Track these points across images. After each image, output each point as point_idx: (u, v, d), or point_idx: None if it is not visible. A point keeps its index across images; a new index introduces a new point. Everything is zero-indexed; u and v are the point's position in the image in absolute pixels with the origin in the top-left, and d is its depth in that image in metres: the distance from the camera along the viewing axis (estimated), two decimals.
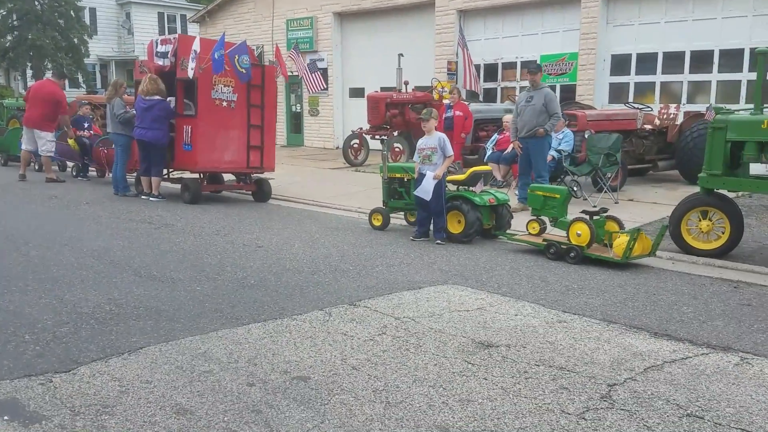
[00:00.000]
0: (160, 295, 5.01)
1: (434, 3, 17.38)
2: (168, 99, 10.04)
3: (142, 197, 10.29)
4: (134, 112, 10.14)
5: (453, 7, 17.12)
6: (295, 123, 21.81)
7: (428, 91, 15.30)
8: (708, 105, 11.55)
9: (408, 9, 18.29)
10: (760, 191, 6.85)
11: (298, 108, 21.61)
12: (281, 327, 4.31)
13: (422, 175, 7.35)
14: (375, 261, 6.28)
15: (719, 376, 3.50)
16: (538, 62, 14.19)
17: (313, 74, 12.08)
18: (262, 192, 10.52)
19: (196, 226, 8.05)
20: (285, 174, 12.79)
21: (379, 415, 3.06)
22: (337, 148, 19.13)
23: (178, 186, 10.42)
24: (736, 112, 6.82)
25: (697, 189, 6.87)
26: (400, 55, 15.46)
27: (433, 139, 7.44)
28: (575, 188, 7.39)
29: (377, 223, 8.05)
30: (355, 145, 14.96)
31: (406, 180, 7.98)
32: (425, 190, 7.26)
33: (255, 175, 10.64)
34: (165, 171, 10.60)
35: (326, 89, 18.76)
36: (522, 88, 15.97)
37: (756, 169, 6.98)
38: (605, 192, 9.72)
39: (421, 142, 7.55)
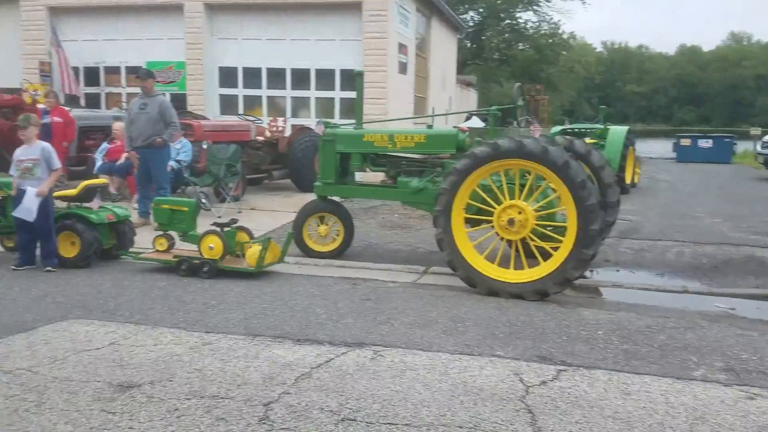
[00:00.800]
0: None
1: None
2: None
3: None
4: None
5: (41, 2, 15.19)
6: None
7: (17, 94, 13.21)
8: (318, 119, 12.65)
9: None
10: (366, 197, 7.73)
11: None
12: None
13: (23, 192, 6.26)
14: None
15: (360, 373, 3.75)
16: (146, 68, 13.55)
17: None
18: None
19: None
20: None
21: None
22: None
23: None
24: (342, 127, 7.54)
25: (309, 196, 7.39)
26: None
27: (34, 149, 6.41)
28: (203, 200, 7.22)
29: None
30: None
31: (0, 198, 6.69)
32: (27, 209, 6.20)
33: None
34: None
35: None
36: (130, 95, 15.09)
37: (360, 176, 7.86)
38: (228, 202, 9.80)
39: (20, 153, 6.43)
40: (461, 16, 30.07)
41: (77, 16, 15.50)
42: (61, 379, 3.57)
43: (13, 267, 6.29)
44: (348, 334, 4.49)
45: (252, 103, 15.40)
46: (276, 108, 15.32)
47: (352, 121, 7.60)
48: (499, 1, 37.41)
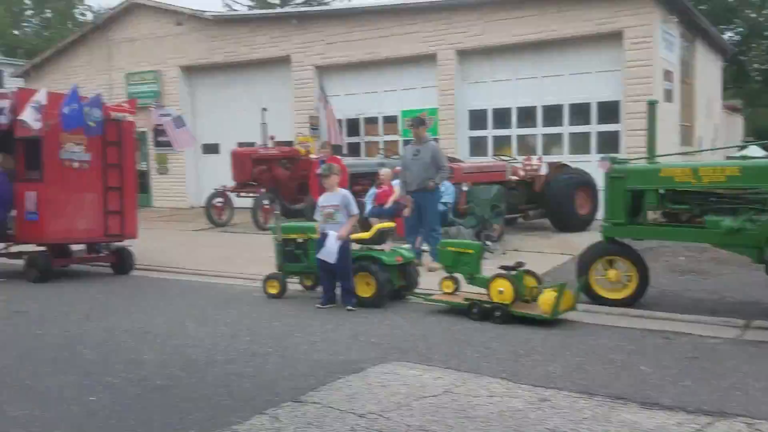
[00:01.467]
0: (46, 416, 3.81)
1: (290, 58, 17.00)
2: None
3: None
4: None
5: (309, 63, 16.85)
6: (141, 182, 20.02)
7: (292, 146, 14.74)
8: (603, 155, 12.12)
9: (263, 63, 17.70)
10: (663, 238, 7.04)
11: (144, 166, 19.89)
12: None
13: (325, 236, 6.70)
14: (292, 338, 5.46)
15: None
16: (422, 115, 14.19)
17: (179, 129, 11.02)
18: (123, 263, 9.19)
19: (56, 311, 6.67)
20: (142, 239, 11.38)
21: None
22: (193, 207, 17.75)
23: (16, 261, 8.82)
24: (632, 162, 7.00)
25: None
26: (264, 109, 14.80)
27: (336, 196, 6.87)
28: (488, 242, 7.13)
29: (273, 291, 7.23)
30: (219, 204, 13.86)
31: (302, 241, 7.26)
32: (329, 252, 6.61)
33: (114, 243, 9.30)
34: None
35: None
36: (387, 143, 16.02)
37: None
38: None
39: (323, 200, 6.94)
40: None
41: (339, 72, 16.91)
42: (416, 428, 3.54)
43: (318, 305, 6.72)
44: (697, 399, 3.92)
45: (500, 143, 15.34)
46: (525, 146, 15.07)
47: (617, 155, 7.02)
48: (761, 18, 33.28)
